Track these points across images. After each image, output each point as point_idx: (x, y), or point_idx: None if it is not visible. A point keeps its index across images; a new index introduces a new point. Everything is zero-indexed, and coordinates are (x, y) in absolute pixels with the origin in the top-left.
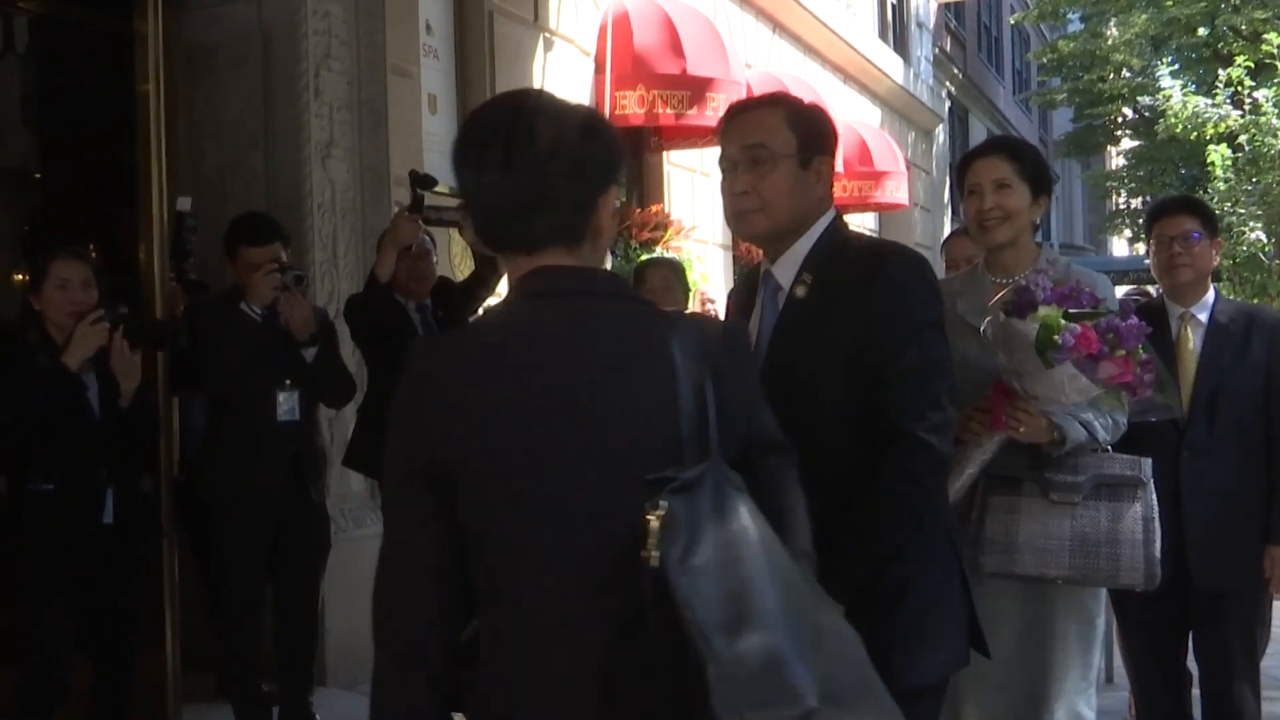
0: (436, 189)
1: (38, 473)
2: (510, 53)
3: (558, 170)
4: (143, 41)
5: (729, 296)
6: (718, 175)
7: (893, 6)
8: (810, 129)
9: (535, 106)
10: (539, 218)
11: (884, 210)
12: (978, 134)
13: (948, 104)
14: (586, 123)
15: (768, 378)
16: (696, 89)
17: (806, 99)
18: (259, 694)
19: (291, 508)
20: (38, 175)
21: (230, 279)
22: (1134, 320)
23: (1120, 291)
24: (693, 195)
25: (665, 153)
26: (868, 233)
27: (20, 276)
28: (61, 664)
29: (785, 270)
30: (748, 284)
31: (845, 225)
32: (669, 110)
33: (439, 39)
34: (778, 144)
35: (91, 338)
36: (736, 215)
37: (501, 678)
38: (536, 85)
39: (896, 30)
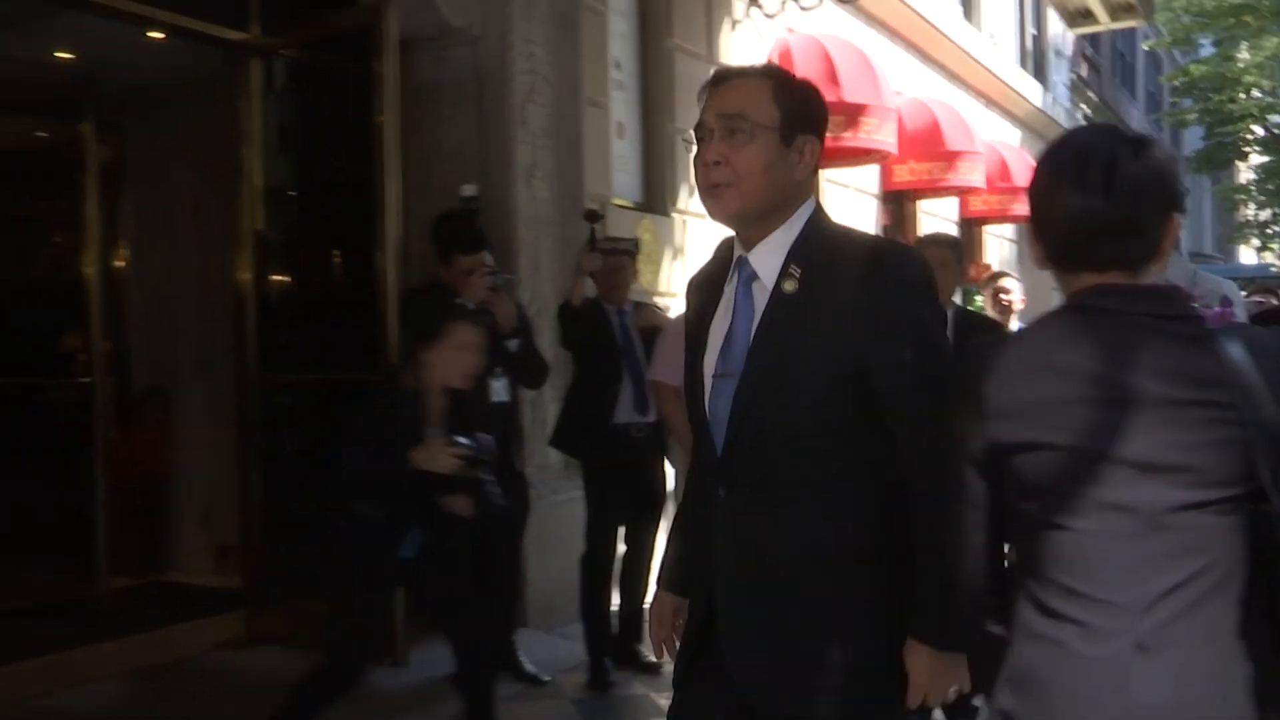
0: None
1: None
2: (689, 84)
3: (1146, 198)
4: (380, 81)
5: (688, 285)
6: (872, 188)
7: (1032, 37)
8: (798, 105)
9: (1125, 138)
10: (1128, 241)
11: (1022, 222)
12: None
13: (1083, 124)
14: (1164, 155)
15: (752, 376)
16: (850, 114)
17: (950, 121)
18: None
19: (498, 476)
20: (292, 193)
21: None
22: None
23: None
24: (847, 209)
25: (819, 171)
26: (1006, 242)
27: (279, 277)
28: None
29: (766, 260)
30: (712, 269)
31: (827, 216)
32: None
33: (626, 74)
34: (759, 115)
35: (444, 467)
36: (707, 189)
37: (1044, 645)
38: None
39: (1036, 58)
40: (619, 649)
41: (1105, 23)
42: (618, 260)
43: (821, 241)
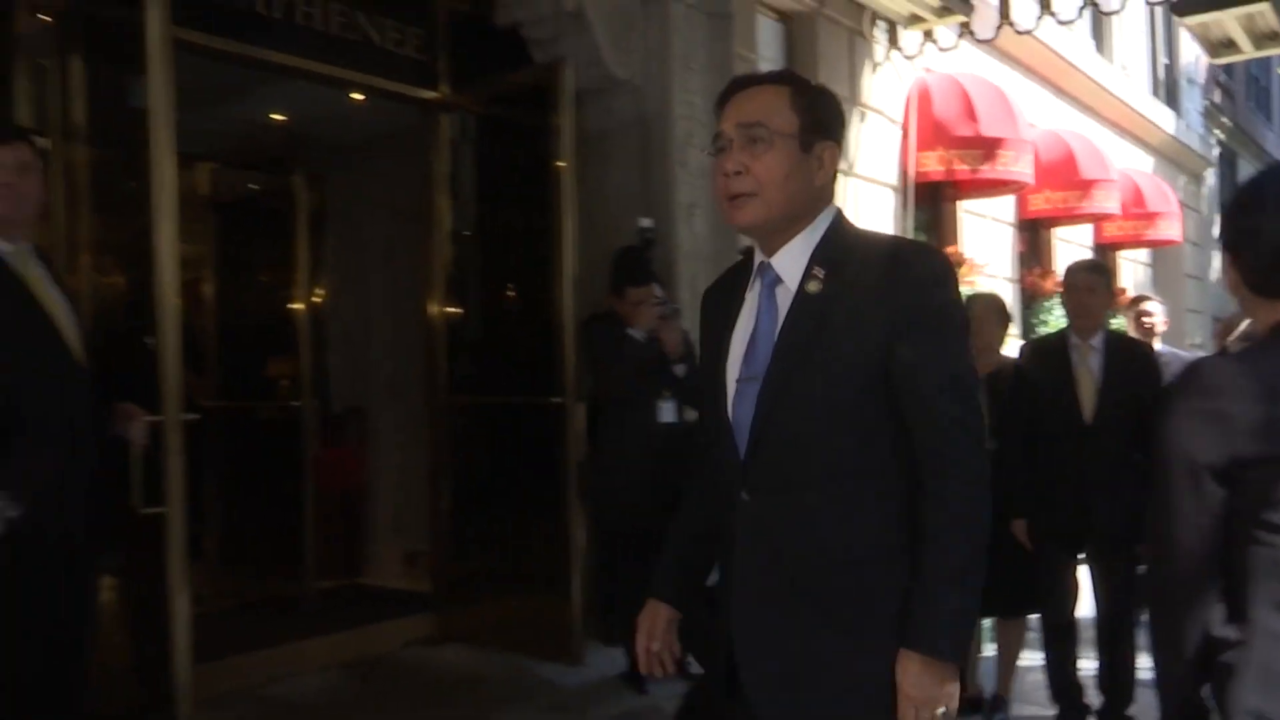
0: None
1: None
2: None
3: None
4: (558, 131)
5: (705, 293)
6: (1008, 217)
7: (1164, 65)
8: (816, 111)
9: None
10: None
11: (1156, 246)
12: (1246, 175)
13: (1217, 149)
14: None
15: (777, 377)
16: (988, 148)
17: (1084, 151)
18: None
19: (667, 491)
20: (477, 234)
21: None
22: None
23: None
24: (984, 237)
25: (958, 201)
26: (1140, 265)
27: (465, 309)
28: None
29: (789, 264)
30: (732, 278)
31: (849, 221)
32: (964, 166)
33: None
34: (778, 122)
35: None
36: (729, 199)
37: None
38: (851, 152)
39: (1168, 86)
40: None
41: (1249, 51)
42: None
43: (844, 243)
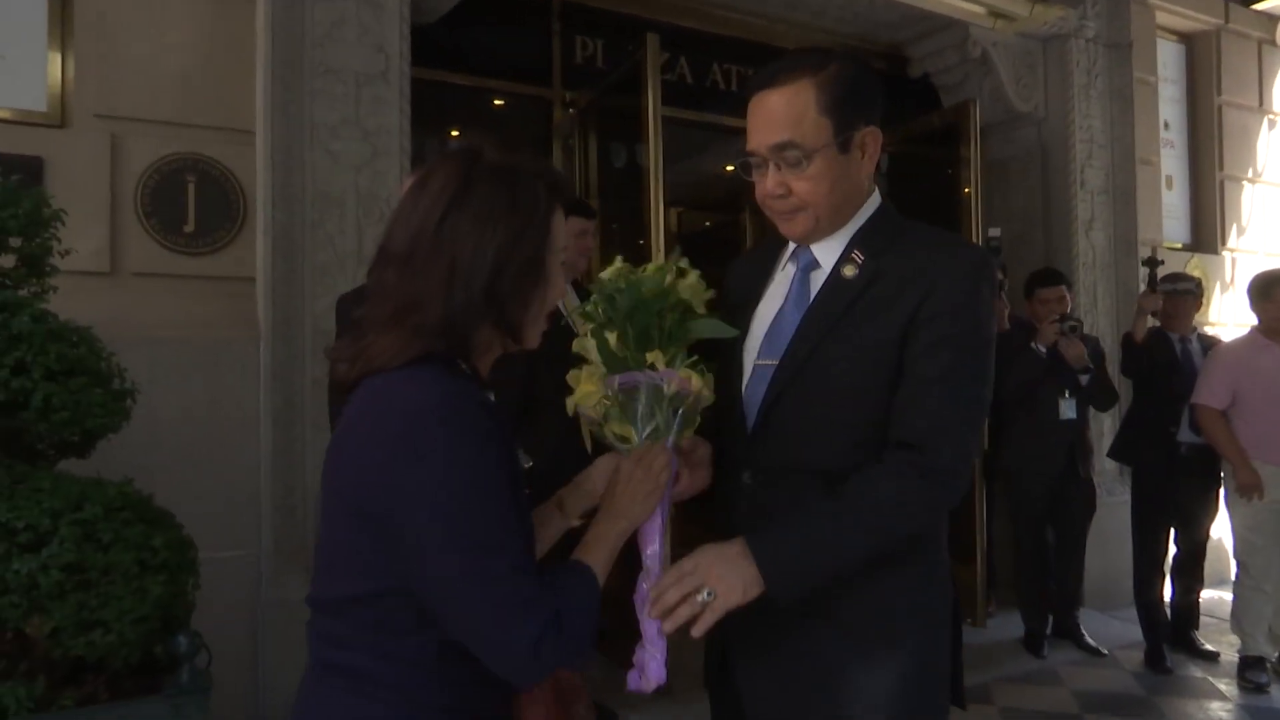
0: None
1: None
2: (1237, 135)
3: None
4: (966, 163)
5: (733, 265)
6: None
7: None
8: (845, 100)
9: None
10: None
11: None
12: None
13: None
14: None
15: (795, 358)
16: None
17: None
18: (1040, 608)
19: (1066, 480)
20: None
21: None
22: None
23: None
24: None
25: None
26: None
27: None
28: None
29: (827, 247)
30: (763, 255)
31: (893, 209)
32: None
33: (1174, 132)
34: (810, 138)
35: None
36: (776, 216)
37: None
38: (1259, 160)
39: None
40: (1174, 635)
41: None
42: (1182, 303)
43: (888, 230)
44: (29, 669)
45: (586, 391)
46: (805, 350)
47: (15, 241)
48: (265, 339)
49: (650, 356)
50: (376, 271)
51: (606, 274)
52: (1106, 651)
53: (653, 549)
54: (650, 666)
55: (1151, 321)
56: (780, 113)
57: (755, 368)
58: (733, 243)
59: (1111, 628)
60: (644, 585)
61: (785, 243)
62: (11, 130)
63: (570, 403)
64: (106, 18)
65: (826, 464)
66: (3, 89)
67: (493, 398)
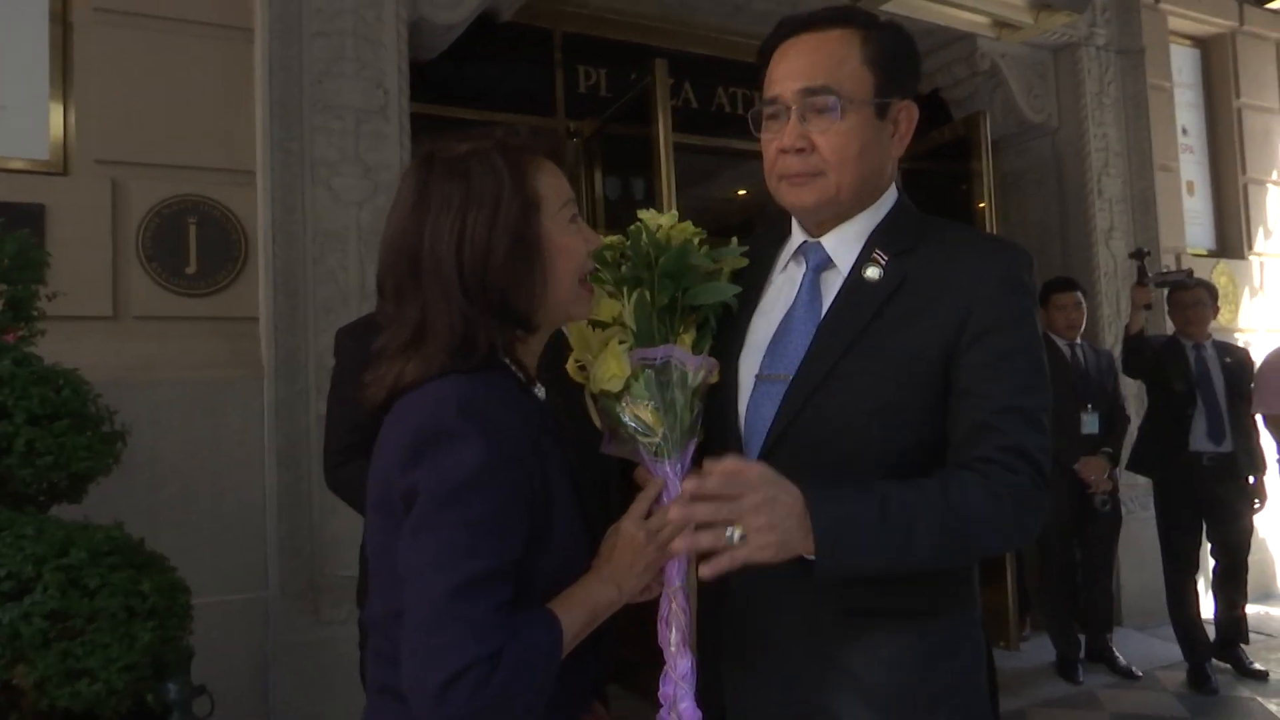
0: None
1: None
2: (1259, 138)
3: None
4: (979, 176)
5: None
6: None
7: None
8: (893, 60)
9: None
10: None
11: None
12: None
13: None
14: None
15: (810, 372)
16: None
17: None
18: (1071, 630)
19: (1089, 496)
20: None
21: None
22: None
23: None
24: None
25: None
26: None
27: None
28: None
29: (843, 245)
30: (754, 254)
31: (911, 204)
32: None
33: (1193, 138)
34: (850, 86)
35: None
36: (785, 179)
37: None
38: None
39: None
40: (1220, 653)
41: None
42: (1194, 295)
43: (912, 227)
44: None
45: (611, 374)
46: (824, 364)
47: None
48: (268, 377)
49: (685, 337)
50: (379, 305)
51: (639, 226)
52: (1141, 673)
53: (675, 585)
54: (683, 707)
55: (1169, 326)
56: (819, 54)
57: (758, 383)
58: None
59: (1153, 647)
60: (666, 610)
61: (781, 239)
62: (14, 179)
63: (593, 382)
64: (107, 64)
65: (854, 470)
66: (5, 139)
67: (542, 393)
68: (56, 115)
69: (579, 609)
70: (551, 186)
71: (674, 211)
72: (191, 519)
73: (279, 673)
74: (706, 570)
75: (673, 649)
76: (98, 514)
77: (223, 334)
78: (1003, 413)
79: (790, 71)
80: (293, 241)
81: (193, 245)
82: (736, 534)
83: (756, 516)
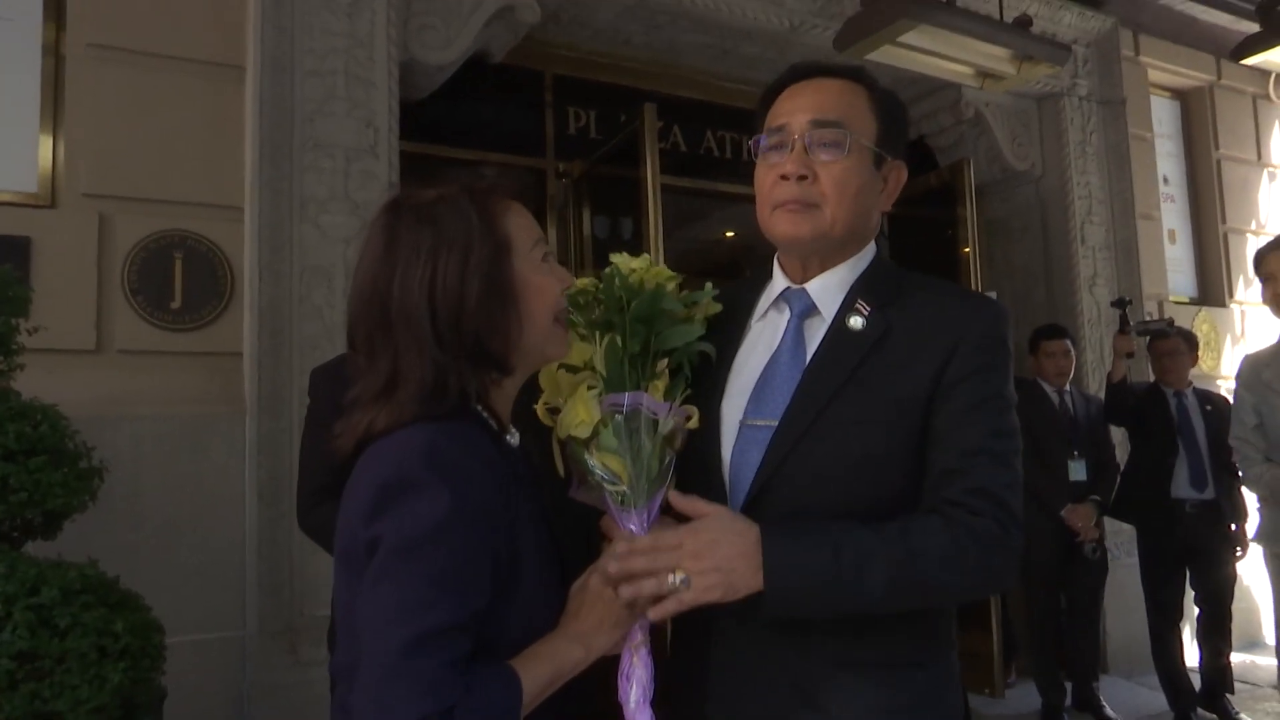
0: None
1: None
2: (1237, 188)
3: None
4: (963, 222)
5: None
6: None
7: None
8: (892, 120)
9: None
10: None
11: None
12: None
13: None
14: None
15: (795, 419)
16: None
17: None
18: (1057, 677)
19: (1075, 543)
20: None
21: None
22: None
23: None
24: None
25: None
26: None
27: None
28: None
29: (826, 292)
30: (731, 301)
31: (892, 263)
32: None
33: (1175, 187)
34: (859, 126)
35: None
36: (781, 207)
37: None
38: (1262, 213)
39: None
40: (1207, 703)
41: None
42: (1172, 344)
43: (891, 280)
44: None
45: (580, 420)
46: (811, 409)
47: None
48: (251, 413)
49: (660, 383)
50: (349, 356)
51: (613, 270)
52: None
53: (637, 639)
54: None
55: (1142, 373)
56: (832, 94)
57: (743, 428)
58: None
59: (1139, 696)
60: (627, 665)
61: (760, 286)
62: (1, 212)
63: (561, 427)
64: (98, 99)
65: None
66: None
67: (515, 439)
68: (46, 148)
69: (543, 667)
70: (521, 227)
71: (647, 255)
72: (171, 556)
73: (256, 713)
74: (654, 614)
75: (632, 705)
76: (75, 551)
77: (206, 369)
78: (971, 455)
79: (802, 105)
80: (279, 278)
81: (178, 280)
82: (678, 578)
83: (697, 561)
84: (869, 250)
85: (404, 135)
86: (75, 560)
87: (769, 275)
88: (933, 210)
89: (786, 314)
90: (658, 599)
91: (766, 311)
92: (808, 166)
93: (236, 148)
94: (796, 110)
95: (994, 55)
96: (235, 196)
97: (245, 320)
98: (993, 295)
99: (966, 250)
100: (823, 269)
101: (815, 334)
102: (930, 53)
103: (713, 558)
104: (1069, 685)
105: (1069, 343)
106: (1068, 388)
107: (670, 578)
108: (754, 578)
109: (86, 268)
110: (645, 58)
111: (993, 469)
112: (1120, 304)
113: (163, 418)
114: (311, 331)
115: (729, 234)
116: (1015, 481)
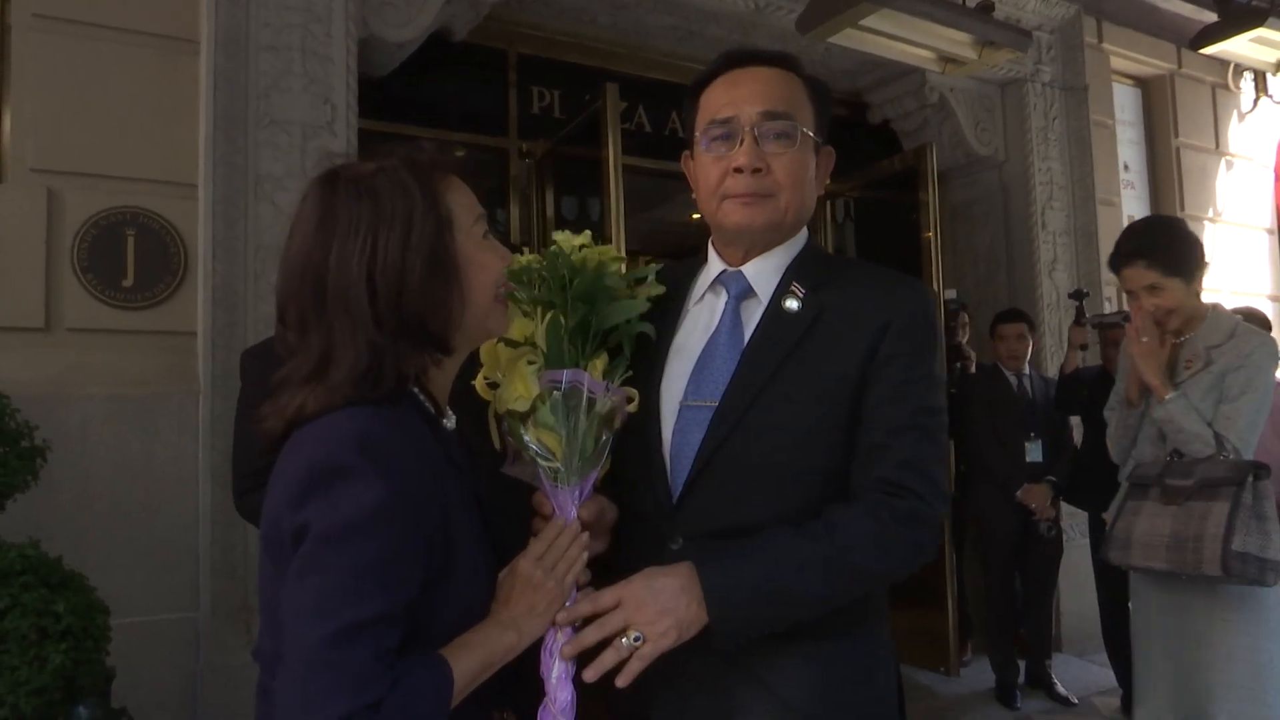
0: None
1: None
2: (1196, 176)
3: None
4: (925, 206)
5: None
6: None
7: None
8: (826, 107)
9: None
10: None
11: None
12: None
13: None
14: None
15: (738, 400)
16: None
17: None
18: (1011, 656)
19: (1032, 524)
20: None
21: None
22: None
23: None
24: None
25: None
26: None
27: None
28: None
29: (763, 276)
30: (673, 282)
31: (821, 248)
32: None
33: (1135, 174)
34: (804, 117)
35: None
36: (733, 198)
37: None
38: (1219, 201)
39: None
40: None
41: None
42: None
43: (823, 263)
44: None
45: (518, 395)
46: (750, 390)
47: None
48: (205, 394)
49: (597, 363)
50: (278, 334)
51: (557, 249)
52: (1077, 700)
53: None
54: None
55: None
56: (777, 84)
57: (683, 409)
58: None
59: (1091, 673)
60: (551, 640)
61: (694, 270)
62: None
63: (499, 401)
64: (45, 71)
65: (772, 521)
66: None
67: (452, 423)
68: None
69: (474, 655)
70: (462, 203)
71: (588, 232)
72: (123, 537)
73: (209, 694)
74: (623, 679)
75: (554, 680)
76: (23, 532)
77: (159, 348)
78: (899, 432)
79: (749, 96)
80: (233, 256)
81: (130, 257)
82: (632, 636)
83: (641, 610)
84: (802, 235)
85: (364, 113)
86: (17, 541)
87: (704, 259)
88: (895, 194)
89: (724, 296)
90: (605, 642)
91: (704, 294)
92: (761, 159)
93: (190, 123)
94: (742, 101)
95: (956, 40)
96: (189, 173)
97: (199, 299)
98: (953, 294)
99: (929, 235)
100: (761, 253)
101: (752, 316)
102: (893, 36)
103: (656, 603)
104: (1023, 663)
105: (1025, 326)
106: (1027, 370)
107: (623, 640)
108: (700, 610)
109: (35, 245)
110: (610, 38)
111: (919, 444)
112: (1077, 295)
113: (114, 397)
114: (266, 311)
115: (695, 216)
116: (941, 456)
